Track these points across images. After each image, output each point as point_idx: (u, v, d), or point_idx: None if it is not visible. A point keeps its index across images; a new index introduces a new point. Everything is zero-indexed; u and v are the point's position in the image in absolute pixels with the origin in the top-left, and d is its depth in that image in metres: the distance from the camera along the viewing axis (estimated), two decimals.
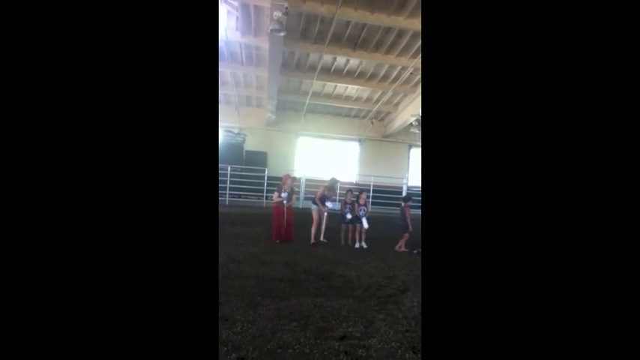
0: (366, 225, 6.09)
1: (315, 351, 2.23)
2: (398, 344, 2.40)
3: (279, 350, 2.20)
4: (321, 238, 6.12)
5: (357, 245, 5.99)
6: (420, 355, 2.25)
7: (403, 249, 5.95)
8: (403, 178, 13.49)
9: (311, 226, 6.11)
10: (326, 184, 6.38)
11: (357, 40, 8.64)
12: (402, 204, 6.32)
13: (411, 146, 14.17)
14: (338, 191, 7.56)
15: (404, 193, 12.45)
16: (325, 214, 6.21)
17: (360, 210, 6.16)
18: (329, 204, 6.22)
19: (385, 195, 12.23)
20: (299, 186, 11.97)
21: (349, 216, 6.18)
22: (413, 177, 14.04)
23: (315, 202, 6.18)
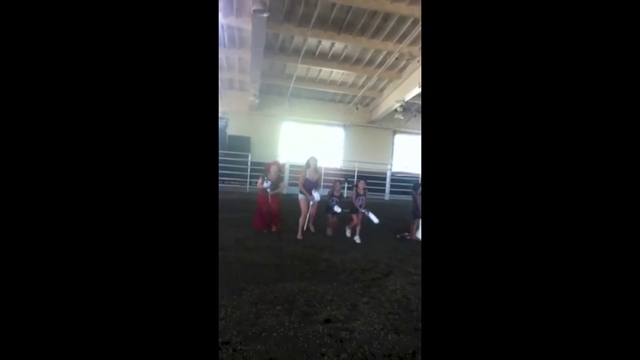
0: (375, 219, 5.20)
1: (299, 334, 2.25)
2: (381, 326, 2.45)
3: (263, 334, 2.21)
4: (310, 227, 5.53)
5: (356, 239, 5.13)
6: (402, 337, 2.30)
7: (416, 236, 5.57)
8: (387, 164, 13.60)
9: (299, 217, 5.31)
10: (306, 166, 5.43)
11: (342, 23, 8.49)
12: (413, 192, 5.79)
13: (395, 132, 14.24)
14: (323, 173, 6.76)
15: (387, 179, 12.56)
16: (311, 202, 5.38)
17: (359, 200, 5.32)
18: (316, 194, 5.32)
19: (369, 181, 12.33)
20: (284, 172, 11.92)
21: (337, 209, 5.38)
22: (397, 163, 14.17)
23: (301, 191, 5.36)
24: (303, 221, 5.21)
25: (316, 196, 5.29)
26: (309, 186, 5.32)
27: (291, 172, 11.92)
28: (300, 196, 5.36)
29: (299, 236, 4.99)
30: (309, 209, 5.35)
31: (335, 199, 5.51)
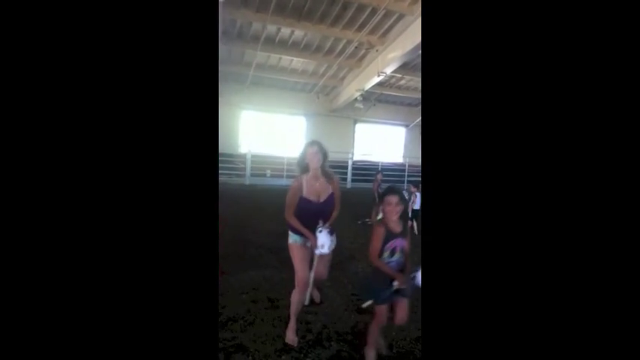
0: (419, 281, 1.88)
1: (264, 320, 2.29)
2: (344, 307, 2.56)
3: (229, 322, 2.22)
4: (315, 298, 2.61)
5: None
6: (363, 315, 2.42)
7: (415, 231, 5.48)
8: (349, 153, 13.82)
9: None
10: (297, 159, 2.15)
11: (301, 10, 8.40)
12: (412, 189, 5.53)
13: (356, 121, 14.46)
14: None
15: (349, 168, 12.80)
16: (316, 254, 2.11)
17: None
18: (325, 236, 2.05)
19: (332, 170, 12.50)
20: (244, 162, 11.71)
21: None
22: (358, 152, 14.44)
23: (292, 227, 2.15)
24: (301, 295, 2.14)
25: (326, 241, 2.06)
26: (310, 213, 2.09)
27: (253, 162, 11.74)
28: (293, 239, 2.20)
29: (290, 338, 2.06)
30: (312, 268, 2.18)
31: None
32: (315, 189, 2.10)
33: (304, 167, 2.10)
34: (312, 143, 2.13)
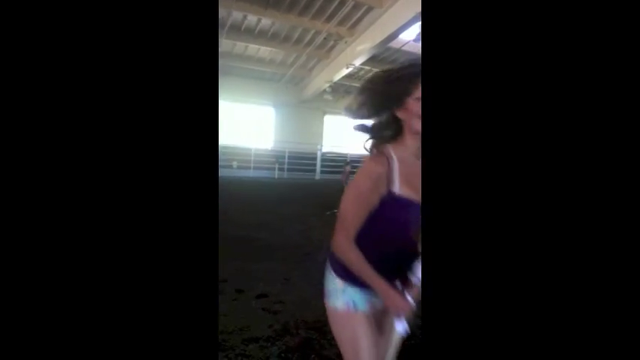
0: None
1: (233, 310, 2.27)
2: (311, 296, 2.59)
3: None
4: None
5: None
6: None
7: None
8: (318, 144, 13.84)
9: None
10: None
11: None
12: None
13: (325, 113, 14.47)
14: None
15: (318, 159, 12.84)
16: (395, 334, 0.88)
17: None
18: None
19: (300, 161, 12.46)
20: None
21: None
22: (327, 143, 14.49)
23: (348, 275, 0.90)
24: None
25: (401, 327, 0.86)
26: (402, 237, 0.87)
27: (223, 153, 11.44)
28: (346, 298, 0.92)
29: None
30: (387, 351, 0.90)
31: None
32: (415, 177, 0.83)
33: (396, 129, 0.91)
34: (414, 75, 0.85)
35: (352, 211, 0.89)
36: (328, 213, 5.92)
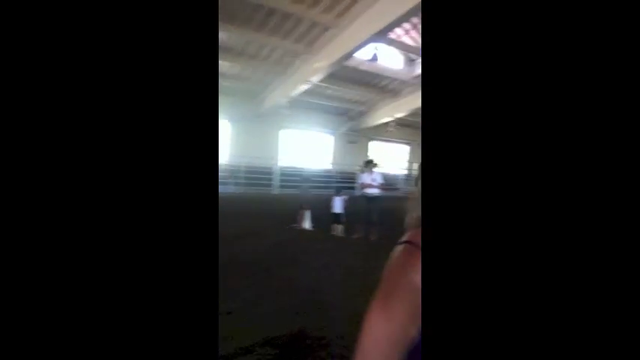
0: None
1: None
2: (278, 312, 2.52)
3: None
4: None
5: None
6: (303, 316, 2.42)
7: (303, 226, 6.06)
8: (274, 159, 13.76)
9: None
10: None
11: (223, 12, 8.16)
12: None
13: (281, 127, 14.48)
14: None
15: (275, 174, 12.74)
16: None
17: None
18: None
19: (257, 176, 12.28)
20: None
21: None
22: (284, 158, 14.46)
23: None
24: None
25: None
26: None
27: None
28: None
29: None
30: None
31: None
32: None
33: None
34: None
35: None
36: (287, 227, 5.87)
